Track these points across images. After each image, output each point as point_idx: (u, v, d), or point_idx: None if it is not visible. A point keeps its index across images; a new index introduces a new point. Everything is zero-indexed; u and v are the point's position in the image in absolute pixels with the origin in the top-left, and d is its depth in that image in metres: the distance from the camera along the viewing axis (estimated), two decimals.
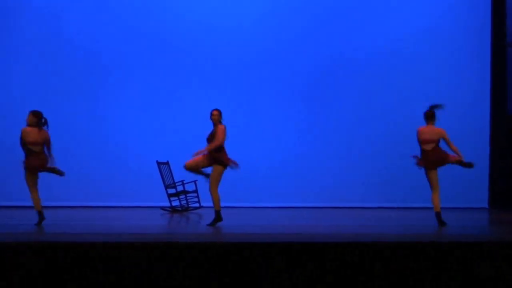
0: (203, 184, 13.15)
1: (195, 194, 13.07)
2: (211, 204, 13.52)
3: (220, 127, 9.87)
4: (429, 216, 10.44)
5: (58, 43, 14.36)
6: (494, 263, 6.95)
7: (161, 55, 14.60)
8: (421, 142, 9.95)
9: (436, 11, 15.04)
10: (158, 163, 13.04)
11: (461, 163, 10.03)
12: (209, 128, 15.00)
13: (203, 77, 14.60)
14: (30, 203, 9.69)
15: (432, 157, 9.84)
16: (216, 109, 10.04)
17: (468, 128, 14.57)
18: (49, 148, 9.60)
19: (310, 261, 6.81)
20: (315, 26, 14.83)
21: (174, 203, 13.13)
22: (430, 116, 10.02)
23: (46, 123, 9.58)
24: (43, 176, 13.83)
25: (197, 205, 13.18)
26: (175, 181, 12.96)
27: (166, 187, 12.99)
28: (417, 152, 9.98)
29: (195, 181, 12.96)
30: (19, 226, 9.65)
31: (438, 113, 10.06)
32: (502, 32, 15.14)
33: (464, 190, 14.24)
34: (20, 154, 9.58)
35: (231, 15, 14.70)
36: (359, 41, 14.84)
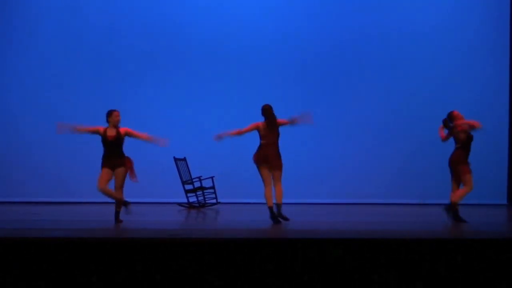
0: (220, 180, 13.23)
1: (212, 190, 13.09)
2: (228, 200, 13.62)
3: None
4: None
5: (74, 39, 14.43)
6: None
7: (178, 52, 14.60)
8: None
9: (453, 6, 14.91)
10: (176, 159, 13.06)
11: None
12: (228, 124, 14.97)
13: (221, 73, 14.60)
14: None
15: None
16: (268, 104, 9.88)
17: (486, 124, 14.41)
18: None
19: (323, 256, 6.79)
20: (330, 21, 14.77)
21: (191, 199, 13.15)
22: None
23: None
24: (55, 173, 14.05)
25: (214, 201, 13.18)
26: (192, 177, 12.98)
27: (183, 183, 13.01)
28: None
29: (212, 177, 13.00)
30: (38, 222, 9.71)
31: (461, 108, 10.04)
32: None
33: (483, 186, 14.07)
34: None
35: (246, 13, 14.71)
36: (373, 38, 14.74)
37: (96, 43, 14.46)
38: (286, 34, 14.67)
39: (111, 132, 9.51)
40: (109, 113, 9.59)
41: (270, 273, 6.73)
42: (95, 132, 9.54)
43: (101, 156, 9.62)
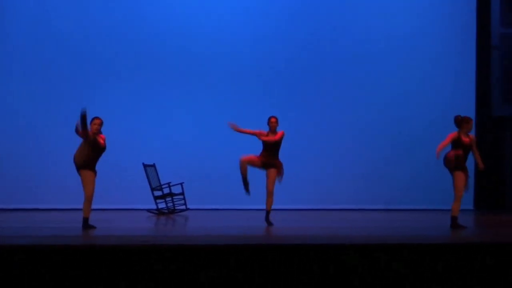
0: (189, 186, 13.22)
1: (182, 197, 13.08)
2: (197, 207, 13.62)
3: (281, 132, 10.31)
4: (413, 218, 10.46)
5: (46, 44, 14.38)
6: (479, 265, 6.98)
7: (150, 57, 14.60)
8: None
9: (422, 13, 15.15)
10: (145, 166, 13.02)
11: None
12: (196, 131, 14.98)
13: (193, 79, 14.63)
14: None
15: None
16: (275, 116, 10.39)
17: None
18: None
19: (303, 263, 6.83)
20: (316, 29, 14.94)
21: (160, 206, 13.12)
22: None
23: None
24: (28, 180, 13.94)
25: (183, 207, 13.18)
26: (162, 184, 12.95)
27: (153, 189, 12.98)
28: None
29: (181, 184, 12.98)
30: (6, 229, 9.64)
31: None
32: (486, 34, 15.25)
33: (449, 192, 14.29)
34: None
35: (226, 16, 14.78)
36: (350, 43, 14.96)
37: (67, 47, 14.39)
38: (276, 39, 14.77)
39: (101, 140, 9.69)
40: (91, 120, 9.68)
41: (243, 280, 6.75)
42: (91, 135, 9.57)
43: (69, 162, 9.63)
